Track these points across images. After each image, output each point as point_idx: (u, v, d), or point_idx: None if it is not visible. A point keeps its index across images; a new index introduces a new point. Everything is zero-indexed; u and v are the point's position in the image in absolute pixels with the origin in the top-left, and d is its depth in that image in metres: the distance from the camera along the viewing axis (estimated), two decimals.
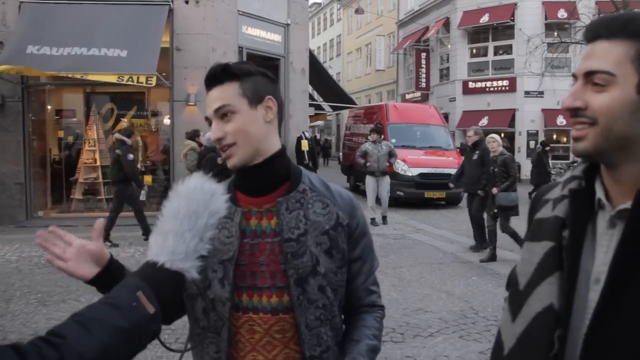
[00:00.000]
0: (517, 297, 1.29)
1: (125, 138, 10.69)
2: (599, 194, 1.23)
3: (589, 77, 1.17)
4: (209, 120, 1.63)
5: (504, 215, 9.21)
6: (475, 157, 10.14)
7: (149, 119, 14.87)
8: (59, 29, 11.92)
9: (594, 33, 1.19)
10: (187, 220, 1.32)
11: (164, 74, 12.61)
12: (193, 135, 11.78)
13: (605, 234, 1.21)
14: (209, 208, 1.35)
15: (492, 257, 9.40)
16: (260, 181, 1.66)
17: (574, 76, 1.21)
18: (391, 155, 13.55)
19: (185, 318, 1.72)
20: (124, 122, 14.22)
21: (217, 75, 1.62)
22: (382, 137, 13.99)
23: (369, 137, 14.12)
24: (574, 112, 1.19)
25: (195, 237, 1.32)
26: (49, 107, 14.61)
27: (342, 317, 1.76)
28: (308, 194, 1.68)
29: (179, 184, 1.40)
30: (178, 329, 5.33)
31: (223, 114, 1.60)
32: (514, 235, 9.14)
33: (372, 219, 13.07)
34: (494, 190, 9.21)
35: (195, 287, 1.53)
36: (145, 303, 1.18)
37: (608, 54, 1.15)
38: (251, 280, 1.62)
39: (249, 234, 1.64)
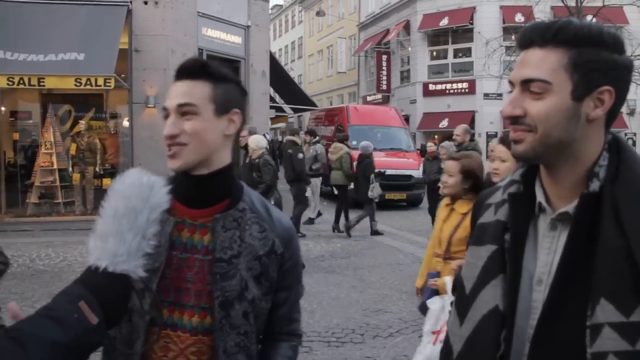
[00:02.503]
0: (463, 301, 1.32)
1: (297, 139, 11.51)
2: (539, 197, 1.26)
3: (525, 85, 1.20)
4: (166, 111, 1.53)
5: None
6: None
7: (108, 122, 14.62)
8: (13, 31, 11.64)
9: (528, 40, 1.23)
10: (126, 219, 1.26)
11: (122, 75, 12.44)
12: (343, 138, 12.71)
13: (547, 236, 1.24)
14: (148, 203, 1.30)
15: None
16: (202, 193, 1.56)
17: (511, 83, 1.24)
18: (316, 159, 13.53)
19: None
20: (82, 125, 13.97)
21: (193, 70, 1.54)
22: (317, 138, 14.12)
23: (305, 138, 14.25)
24: (514, 120, 1.22)
25: (137, 236, 1.26)
26: (2, 108, 14.25)
27: (259, 345, 1.69)
28: (247, 214, 1.59)
29: (116, 181, 1.33)
30: None
31: (185, 111, 1.50)
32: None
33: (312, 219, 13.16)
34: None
35: None
36: (87, 314, 1.14)
37: (543, 62, 1.19)
38: (175, 296, 1.52)
39: (179, 247, 1.54)
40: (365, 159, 12.07)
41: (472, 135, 8.84)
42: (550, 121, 1.18)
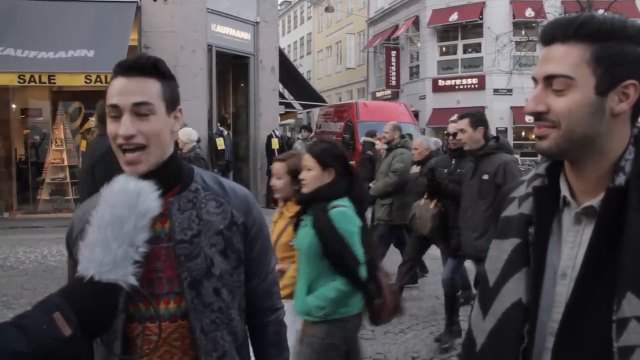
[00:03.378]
0: (486, 294, 1.31)
1: (374, 140, 11.66)
2: (564, 191, 1.25)
3: (548, 80, 1.20)
4: (117, 110, 1.48)
5: None
6: None
7: None
8: (23, 29, 11.69)
9: (550, 36, 1.21)
10: (111, 228, 1.24)
11: None
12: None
13: (571, 230, 1.23)
14: (136, 210, 1.28)
15: None
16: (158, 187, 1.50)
17: (534, 79, 1.23)
18: None
19: None
20: (92, 121, 14.01)
21: (144, 68, 1.51)
22: (313, 134, 14.20)
23: (299, 136, 14.22)
24: (537, 116, 1.22)
25: (123, 245, 1.24)
26: (13, 106, 14.34)
27: (244, 318, 1.71)
28: (201, 193, 1.60)
29: (105, 188, 1.32)
30: None
31: (142, 112, 1.48)
32: None
33: None
34: None
35: None
36: (61, 325, 1.12)
37: (565, 58, 1.18)
38: (148, 288, 1.51)
39: None
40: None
41: (404, 133, 8.58)
42: (574, 116, 1.17)
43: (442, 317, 6.37)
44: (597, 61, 1.16)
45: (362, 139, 12.62)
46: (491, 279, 1.31)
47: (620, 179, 1.17)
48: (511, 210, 1.33)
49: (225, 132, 14.83)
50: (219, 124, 14.89)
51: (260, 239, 1.70)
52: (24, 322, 1.11)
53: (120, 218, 1.25)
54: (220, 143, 14.12)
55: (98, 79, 11.04)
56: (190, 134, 8.21)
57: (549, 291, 1.23)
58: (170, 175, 1.58)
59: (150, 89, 1.50)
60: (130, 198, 1.28)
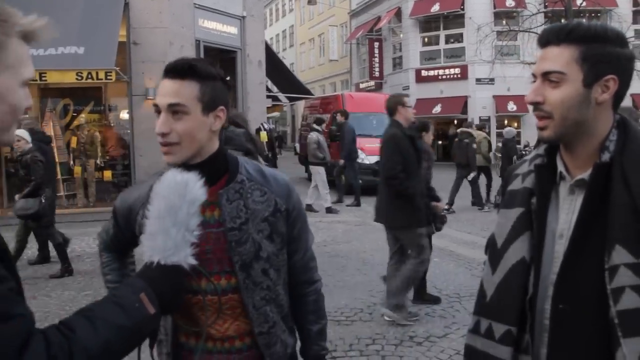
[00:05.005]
0: (495, 253, 1.61)
1: (471, 131, 13.84)
2: (560, 167, 1.55)
3: (545, 76, 1.48)
4: (157, 108, 1.67)
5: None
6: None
7: (107, 114, 14.77)
8: None
9: (545, 40, 1.51)
10: (168, 216, 1.42)
11: (118, 68, 12.57)
12: (482, 126, 15.24)
13: (566, 199, 1.53)
14: (186, 198, 1.45)
15: None
16: (203, 176, 1.64)
17: (534, 75, 1.52)
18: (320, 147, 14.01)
19: None
20: (82, 118, 14.12)
21: (182, 71, 1.66)
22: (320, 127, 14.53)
23: (314, 126, 14.44)
24: (535, 106, 1.50)
25: (180, 229, 1.41)
26: None
27: (287, 291, 1.93)
28: (246, 183, 1.78)
29: (156, 184, 1.50)
30: None
31: (176, 111, 1.65)
32: None
33: (311, 206, 13.34)
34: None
35: None
36: (147, 304, 1.29)
37: (559, 57, 1.47)
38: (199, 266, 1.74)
39: None
40: (509, 143, 14.64)
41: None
42: (565, 105, 1.45)
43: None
44: (583, 59, 1.44)
45: (460, 129, 14.61)
46: (499, 242, 1.61)
47: (606, 156, 1.46)
48: (516, 185, 1.63)
49: (268, 127, 15.17)
50: None
51: (299, 220, 1.91)
52: (120, 300, 1.28)
53: (174, 207, 1.43)
54: (263, 136, 14.50)
55: (89, 76, 11.17)
56: (24, 136, 7.79)
57: (550, 249, 1.52)
58: (218, 167, 1.76)
59: (185, 90, 1.65)
60: (180, 188, 1.45)
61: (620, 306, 1.34)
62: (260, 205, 1.79)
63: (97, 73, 11.17)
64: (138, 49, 13.05)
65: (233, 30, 15.68)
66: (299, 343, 2.04)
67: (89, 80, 11.23)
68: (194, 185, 1.47)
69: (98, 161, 14.00)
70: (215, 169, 1.76)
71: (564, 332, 1.45)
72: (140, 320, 1.27)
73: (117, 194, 12.14)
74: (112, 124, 14.98)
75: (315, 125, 14.71)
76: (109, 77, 11.30)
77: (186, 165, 1.69)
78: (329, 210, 13.28)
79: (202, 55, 14.46)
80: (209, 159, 1.74)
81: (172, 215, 1.41)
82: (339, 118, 15.16)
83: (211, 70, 1.71)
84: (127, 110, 13.69)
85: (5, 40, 1.19)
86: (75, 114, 14.26)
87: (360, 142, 15.90)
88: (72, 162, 14.06)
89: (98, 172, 13.94)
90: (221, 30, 15.25)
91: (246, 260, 1.75)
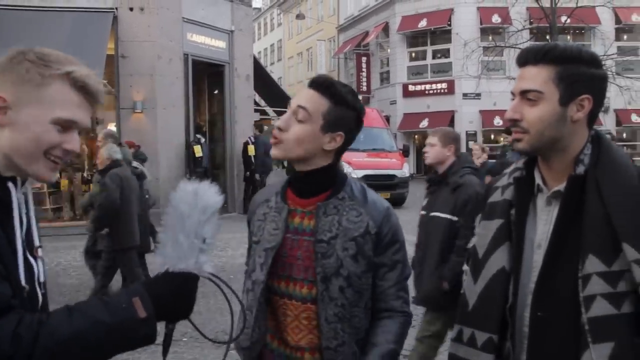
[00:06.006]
0: (477, 264, 1.67)
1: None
2: (538, 180, 1.61)
3: (524, 94, 1.55)
4: (290, 106, 1.86)
5: None
6: None
7: (94, 127, 14.74)
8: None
9: (524, 60, 1.58)
10: (177, 225, 1.43)
11: (106, 81, 12.56)
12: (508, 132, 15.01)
13: (544, 210, 1.59)
14: (197, 206, 1.44)
15: None
16: (307, 185, 1.87)
17: (512, 94, 1.59)
18: None
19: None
20: None
21: (322, 86, 1.82)
22: None
23: None
24: (513, 123, 1.57)
25: (189, 237, 1.39)
26: None
27: (368, 317, 1.88)
28: (346, 201, 1.85)
29: (172, 194, 1.50)
30: None
31: (299, 115, 1.80)
32: None
33: None
34: None
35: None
36: (137, 307, 1.29)
37: (536, 77, 1.54)
38: (289, 270, 1.84)
39: (292, 230, 1.86)
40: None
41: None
42: (543, 123, 1.52)
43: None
44: (559, 79, 1.51)
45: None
46: (480, 252, 1.67)
47: (580, 169, 1.52)
48: (495, 197, 1.69)
49: (203, 140, 14.99)
50: (198, 135, 15.00)
51: (393, 247, 1.87)
52: (107, 299, 1.32)
53: (182, 215, 1.43)
54: (197, 150, 14.28)
55: None
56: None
57: (529, 259, 1.58)
58: (322, 180, 1.87)
59: (316, 103, 1.80)
60: (189, 197, 1.46)
61: (591, 313, 1.40)
62: (353, 225, 1.83)
63: None
64: (126, 62, 13.08)
65: (221, 44, 15.73)
66: None
67: None
68: (205, 193, 1.47)
69: (85, 174, 13.95)
70: (320, 181, 1.87)
71: (542, 338, 1.51)
72: (123, 320, 1.28)
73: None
74: (99, 137, 14.93)
75: None
76: None
77: (297, 173, 1.88)
78: None
79: (190, 69, 14.51)
80: (317, 170, 1.85)
81: (180, 223, 1.42)
82: None
83: (348, 98, 1.83)
84: (114, 124, 13.69)
85: (42, 81, 1.32)
86: None
87: (347, 156, 15.91)
88: (58, 175, 13.98)
89: (85, 185, 13.86)
90: (209, 44, 15.30)
91: (327, 274, 1.80)
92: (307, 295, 1.83)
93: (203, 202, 1.44)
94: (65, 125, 1.34)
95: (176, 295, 1.38)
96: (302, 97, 1.82)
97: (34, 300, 1.35)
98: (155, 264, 1.44)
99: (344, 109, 1.82)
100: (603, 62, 1.59)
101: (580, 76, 1.51)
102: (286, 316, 1.86)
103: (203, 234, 1.42)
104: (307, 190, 1.88)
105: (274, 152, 1.85)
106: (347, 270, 1.81)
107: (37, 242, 1.42)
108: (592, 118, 1.56)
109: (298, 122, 1.80)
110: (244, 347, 1.90)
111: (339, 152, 1.88)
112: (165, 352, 1.44)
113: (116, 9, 13.02)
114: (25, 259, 1.32)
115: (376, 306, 1.89)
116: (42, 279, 1.40)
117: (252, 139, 15.82)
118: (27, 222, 1.39)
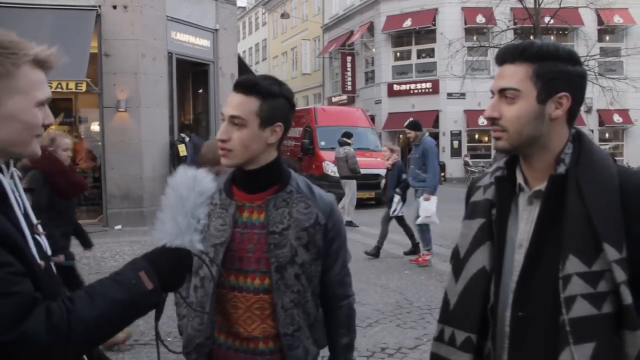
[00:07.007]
0: (458, 263, 1.67)
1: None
2: (519, 179, 1.61)
3: (502, 93, 1.55)
4: (223, 116, 1.89)
5: None
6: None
7: (77, 126, 14.64)
8: None
9: (502, 59, 1.58)
10: (176, 205, 1.55)
11: (89, 79, 12.46)
12: None
13: (525, 210, 1.59)
14: (195, 189, 1.58)
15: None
16: (255, 182, 1.95)
17: (492, 92, 1.59)
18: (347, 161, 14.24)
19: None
20: (52, 129, 13.92)
21: (246, 86, 1.86)
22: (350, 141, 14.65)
23: (346, 140, 14.53)
24: (492, 121, 1.57)
25: (186, 217, 1.54)
26: None
27: (318, 303, 2.06)
28: (294, 195, 1.95)
29: (170, 178, 1.64)
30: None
31: (236, 122, 1.85)
32: None
33: (351, 222, 13.39)
34: None
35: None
36: (145, 281, 1.43)
37: (514, 75, 1.54)
38: (239, 264, 1.92)
39: (240, 225, 1.93)
40: None
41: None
42: (521, 121, 1.53)
43: (407, 310, 6.72)
44: (537, 77, 1.51)
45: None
46: (462, 252, 1.67)
47: (561, 169, 1.52)
48: (477, 196, 1.69)
49: (187, 139, 14.85)
50: (182, 135, 14.84)
51: (338, 238, 2.03)
52: (118, 277, 1.43)
53: (182, 197, 1.55)
54: (182, 150, 14.15)
55: (59, 86, 11.06)
56: None
57: (510, 259, 1.58)
58: (270, 176, 1.95)
59: (246, 105, 1.85)
60: (188, 181, 1.58)
61: (572, 314, 1.40)
62: (303, 216, 1.94)
63: (67, 83, 11.08)
64: (109, 60, 12.97)
65: (206, 43, 15.66)
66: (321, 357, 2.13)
67: (59, 90, 11.09)
68: (202, 179, 1.60)
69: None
70: (267, 177, 1.95)
71: (523, 338, 1.51)
72: (136, 295, 1.41)
73: (87, 207, 12.02)
74: (82, 136, 14.84)
75: (346, 139, 14.72)
76: (79, 88, 11.22)
77: (243, 170, 1.93)
78: (348, 223, 13.22)
79: (174, 68, 14.44)
80: (263, 167, 1.93)
81: (179, 204, 1.54)
82: None
83: (274, 89, 1.89)
84: (97, 122, 13.58)
85: (15, 70, 1.37)
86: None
87: (332, 155, 15.99)
88: None
89: None
90: (194, 43, 15.22)
91: (282, 263, 1.89)
92: (259, 286, 1.91)
93: (200, 186, 1.58)
94: (42, 104, 1.46)
95: (174, 268, 1.51)
96: (232, 105, 1.87)
97: (50, 273, 1.49)
98: (154, 238, 1.55)
99: (274, 100, 1.88)
100: (586, 63, 1.58)
101: (558, 73, 1.51)
102: (237, 309, 1.93)
103: (198, 215, 1.55)
104: (255, 187, 1.95)
105: (225, 162, 1.90)
106: (301, 259, 1.92)
107: (34, 220, 1.52)
108: (572, 116, 1.56)
109: (237, 129, 1.86)
110: (198, 342, 1.97)
111: (280, 141, 1.96)
112: (158, 316, 1.57)
113: (99, 6, 12.88)
114: (34, 239, 1.44)
115: (326, 292, 2.07)
116: (49, 253, 1.54)
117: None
118: (23, 203, 1.49)
